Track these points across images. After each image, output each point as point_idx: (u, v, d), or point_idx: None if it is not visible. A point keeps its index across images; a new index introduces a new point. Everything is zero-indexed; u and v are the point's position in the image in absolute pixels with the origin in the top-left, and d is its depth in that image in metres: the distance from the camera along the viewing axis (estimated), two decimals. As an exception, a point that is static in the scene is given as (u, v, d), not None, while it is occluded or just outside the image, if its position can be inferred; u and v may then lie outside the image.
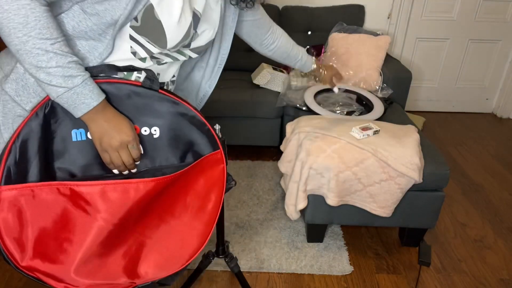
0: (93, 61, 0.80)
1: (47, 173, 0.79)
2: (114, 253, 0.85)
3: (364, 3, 2.84)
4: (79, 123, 0.80)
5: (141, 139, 0.85)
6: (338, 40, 2.48)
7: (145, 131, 0.85)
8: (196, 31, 0.88)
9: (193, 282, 1.53)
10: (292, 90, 2.34)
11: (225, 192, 0.93)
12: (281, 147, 1.94)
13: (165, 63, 0.92)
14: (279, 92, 2.43)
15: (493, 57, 3.16)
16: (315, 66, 1.43)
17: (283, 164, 1.87)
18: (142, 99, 0.82)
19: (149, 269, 0.88)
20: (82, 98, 0.74)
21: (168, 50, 0.85)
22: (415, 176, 1.55)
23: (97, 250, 0.82)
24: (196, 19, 0.85)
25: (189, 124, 0.87)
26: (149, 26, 0.78)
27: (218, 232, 1.35)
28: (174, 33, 0.80)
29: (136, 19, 0.77)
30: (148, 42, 0.81)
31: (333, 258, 1.77)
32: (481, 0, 2.94)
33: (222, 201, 0.92)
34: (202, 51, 0.98)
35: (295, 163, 1.69)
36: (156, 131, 0.85)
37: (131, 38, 0.80)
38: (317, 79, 1.50)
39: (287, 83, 2.41)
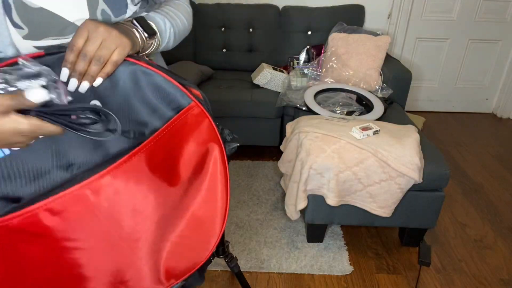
0: None
1: None
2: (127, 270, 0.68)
3: (364, 3, 2.84)
4: None
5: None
6: (338, 40, 2.48)
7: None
8: None
9: (193, 282, 1.53)
10: (292, 90, 2.34)
11: (230, 154, 0.74)
12: (281, 147, 1.94)
13: None
14: (279, 92, 2.43)
15: (493, 57, 3.16)
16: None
17: (283, 164, 1.87)
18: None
19: (175, 268, 0.71)
20: None
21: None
22: (415, 176, 1.55)
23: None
24: None
25: (146, 84, 0.64)
26: (36, 23, 0.59)
27: (218, 232, 1.35)
28: (69, 7, 0.62)
29: (16, 25, 0.58)
30: (55, 39, 0.62)
31: (333, 258, 1.77)
32: (481, 0, 2.94)
33: (226, 160, 0.72)
34: None
35: (295, 163, 1.69)
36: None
37: (37, 47, 0.61)
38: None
39: (287, 83, 2.41)
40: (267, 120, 2.43)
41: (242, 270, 1.69)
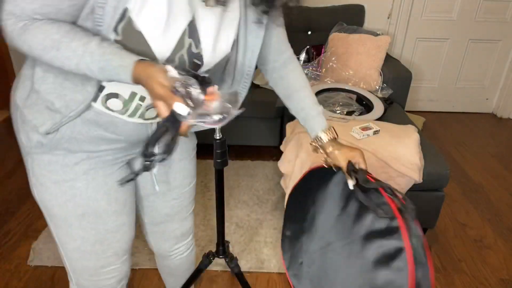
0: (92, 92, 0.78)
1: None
2: None
3: (364, 3, 2.84)
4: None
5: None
6: (338, 40, 2.48)
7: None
8: (194, 39, 0.77)
9: (193, 282, 1.53)
10: (292, 90, 2.34)
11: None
12: (281, 147, 1.94)
13: None
14: (279, 92, 2.43)
15: (493, 57, 3.16)
16: (324, 135, 1.02)
17: (283, 164, 1.87)
18: None
19: None
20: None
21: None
22: (415, 176, 1.55)
23: None
24: (192, 26, 0.75)
25: None
26: (131, 38, 0.71)
27: (218, 232, 1.35)
28: (160, 44, 0.73)
29: (116, 31, 0.70)
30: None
31: (333, 258, 1.77)
32: (481, 0, 2.94)
33: None
34: (218, 71, 0.92)
35: (295, 163, 1.69)
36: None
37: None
38: (326, 157, 1.05)
39: (287, 83, 2.41)
40: (267, 120, 2.43)
41: (242, 270, 1.69)
